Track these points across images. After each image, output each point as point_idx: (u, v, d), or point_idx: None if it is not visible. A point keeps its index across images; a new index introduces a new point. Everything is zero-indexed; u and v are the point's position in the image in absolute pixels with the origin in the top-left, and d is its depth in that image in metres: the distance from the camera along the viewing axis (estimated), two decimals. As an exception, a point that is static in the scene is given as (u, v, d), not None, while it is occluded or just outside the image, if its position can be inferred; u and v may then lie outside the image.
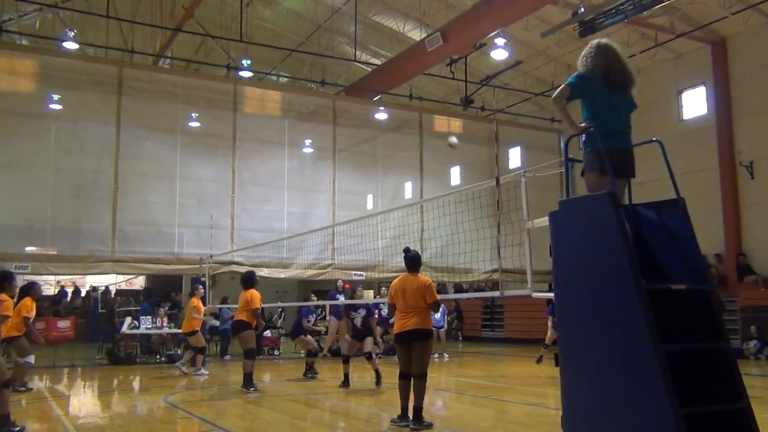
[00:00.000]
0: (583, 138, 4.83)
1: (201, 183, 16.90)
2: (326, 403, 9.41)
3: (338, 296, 14.71)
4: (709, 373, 4.25)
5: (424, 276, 7.48)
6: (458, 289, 22.56)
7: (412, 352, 7.01)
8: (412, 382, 6.98)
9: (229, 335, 17.98)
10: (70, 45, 17.22)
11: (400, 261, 17.06)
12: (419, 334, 7.02)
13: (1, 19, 18.40)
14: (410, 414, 6.95)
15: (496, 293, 8.01)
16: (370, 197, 19.49)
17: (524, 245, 6.82)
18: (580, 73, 4.86)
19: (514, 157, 21.54)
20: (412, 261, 7.41)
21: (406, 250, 7.52)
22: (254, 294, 10.62)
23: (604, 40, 4.97)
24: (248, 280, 10.93)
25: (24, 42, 20.32)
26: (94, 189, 15.59)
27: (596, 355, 4.45)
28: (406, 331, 7.06)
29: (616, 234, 4.30)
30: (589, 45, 4.94)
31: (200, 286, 13.91)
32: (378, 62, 21.78)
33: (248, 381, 10.11)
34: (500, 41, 17.73)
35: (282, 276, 17.35)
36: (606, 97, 4.78)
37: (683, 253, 4.69)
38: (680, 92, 18.86)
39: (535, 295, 6.77)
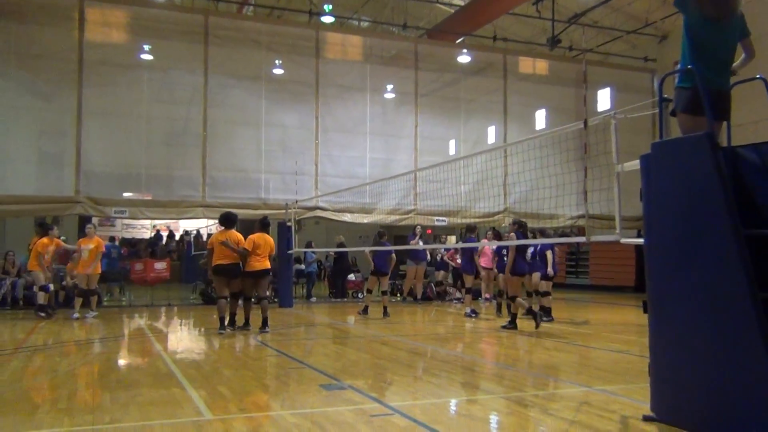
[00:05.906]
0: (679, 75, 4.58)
1: (285, 129, 17.20)
2: (407, 344, 9.59)
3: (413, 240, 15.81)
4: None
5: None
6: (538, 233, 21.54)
7: (261, 282, 10.61)
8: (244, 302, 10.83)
9: (314, 278, 18.52)
10: (159, -5, 17.56)
11: (482, 206, 17.27)
12: (268, 272, 10.80)
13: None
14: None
15: (582, 238, 7.86)
16: (452, 142, 19.29)
17: (613, 190, 6.61)
18: None
19: (603, 99, 20.64)
20: (265, 225, 11.17)
21: (264, 218, 11.52)
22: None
23: None
24: (262, 223, 11.31)
25: (115, -6, 20.91)
26: (185, 137, 16.16)
27: (688, 303, 4.32)
28: (266, 269, 10.63)
29: (713, 177, 4.10)
30: None
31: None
32: (461, 3, 21.21)
33: (266, 322, 10.62)
34: (590, -24, 16.88)
35: (365, 221, 17.61)
36: (707, 28, 4.48)
37: (787, 197, 4.42)
38: (788, 25, 17.45)
39: (624, 241, 6.58)
